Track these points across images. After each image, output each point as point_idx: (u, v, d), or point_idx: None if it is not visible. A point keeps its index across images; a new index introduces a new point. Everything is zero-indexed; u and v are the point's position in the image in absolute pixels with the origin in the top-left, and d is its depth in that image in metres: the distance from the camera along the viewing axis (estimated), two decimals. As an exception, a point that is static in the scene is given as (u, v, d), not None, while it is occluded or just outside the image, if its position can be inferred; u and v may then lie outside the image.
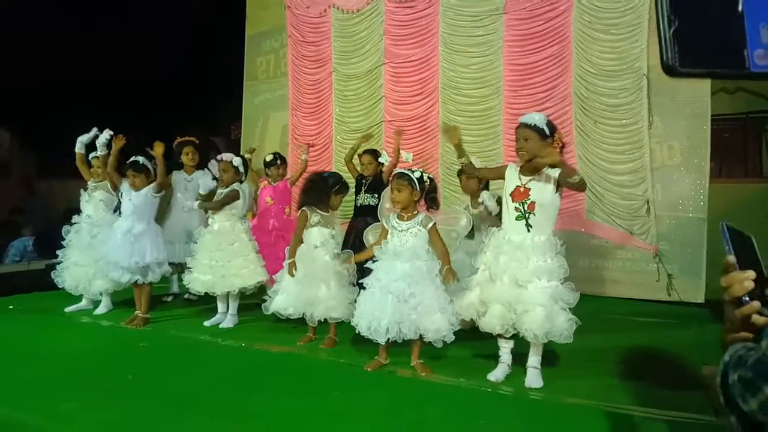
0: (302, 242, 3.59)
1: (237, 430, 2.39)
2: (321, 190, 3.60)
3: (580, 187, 2.89)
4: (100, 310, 4.48)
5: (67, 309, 4.53)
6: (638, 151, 5.03)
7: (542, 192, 2.89)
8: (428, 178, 3.22)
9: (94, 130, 4.57)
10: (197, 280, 4.03)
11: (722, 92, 6.41)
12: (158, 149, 4.10)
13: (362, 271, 3.33)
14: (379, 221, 3.42)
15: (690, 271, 4.89)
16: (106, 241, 4.17)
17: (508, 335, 2.95)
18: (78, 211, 4.65)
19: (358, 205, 4.74)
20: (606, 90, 5.15)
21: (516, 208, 2.93)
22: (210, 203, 4.09)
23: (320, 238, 3.55)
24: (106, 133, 4.42)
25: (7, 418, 2.55)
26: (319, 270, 3.50)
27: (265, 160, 4.89)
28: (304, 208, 3.60)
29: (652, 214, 5.01)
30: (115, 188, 4.43)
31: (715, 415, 2.46)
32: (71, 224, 4.54)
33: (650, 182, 5.03)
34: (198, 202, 4.13)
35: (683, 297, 4.84)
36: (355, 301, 3.45)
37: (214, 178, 4.61)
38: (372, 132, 5.77)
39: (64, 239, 4.56)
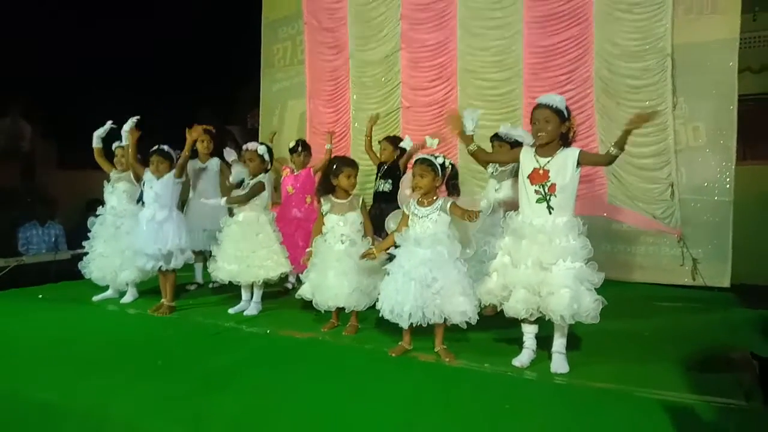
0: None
1: (265, 410, 2.43)
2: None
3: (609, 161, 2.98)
4: (126, 299, 4.56)
5: (95, 298, 4.62)
6: (662, 133, 4.94)
7: (562, 173, 2.86)
8: (450, 164, 3.21)
9: (109, 124, 4.63)
10: (222, 269, 4.08)
11: (748, 71, 6.24)
12: (195, 134, 4.17)
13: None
14: (393, 208, 3.43)
15: (715, 255, 4.82)
16: (131, 231, 4.23)
17: (533, 319, 2.94)
18: (97, 203, 4.72)
19: (374, 191, 4.81)
20: (629, 71, 5.05)
21: (536, 191, 2.89)
22: (236, 197, 4.09)
23: (328, 225, 3.59)
24: (132, 121, 4.45)
25: (41, 400, 2.62)
26: (325, 258, 3.54)
27: (289, 147, 4.93)
28: (321, 198, 3.67)
29: (676, 197, 4.94)
30: (138, 179, 4.48)
31: (744, 399, 2.44)
32: (96, 215, 4.60)
33: (674, 165, 4.94)
34: (224, 198, 4.13)
35: (708, 281, 4.77)
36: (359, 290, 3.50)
37: (228, 165, 4.65)
38: (380, 114, 5.69)
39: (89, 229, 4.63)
